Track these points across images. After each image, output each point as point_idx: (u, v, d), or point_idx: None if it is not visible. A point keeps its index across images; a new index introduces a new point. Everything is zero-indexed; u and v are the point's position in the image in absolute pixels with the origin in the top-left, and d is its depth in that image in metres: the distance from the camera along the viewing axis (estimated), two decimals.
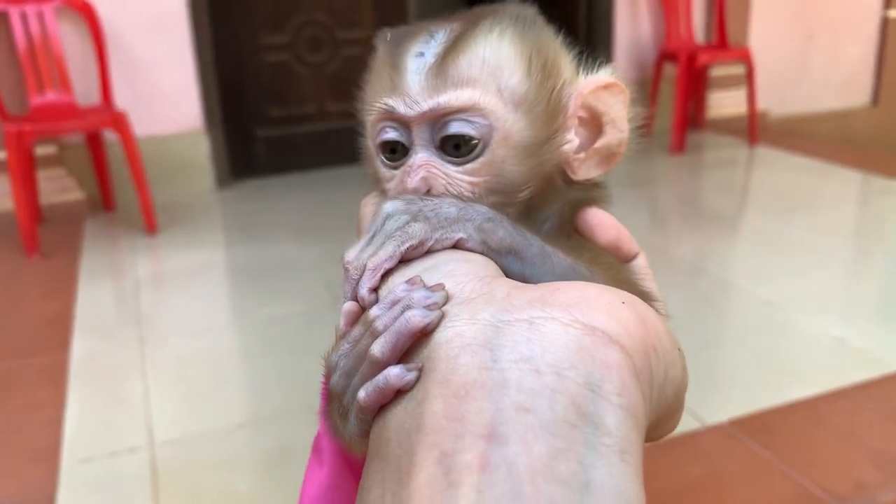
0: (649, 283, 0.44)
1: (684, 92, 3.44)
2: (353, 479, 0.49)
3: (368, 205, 0.47)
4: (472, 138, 0.42)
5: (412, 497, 0.28)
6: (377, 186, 0.47)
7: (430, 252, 0.39)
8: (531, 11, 0.45)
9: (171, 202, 2.98)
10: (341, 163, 3.47)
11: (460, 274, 0.36)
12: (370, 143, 0.46)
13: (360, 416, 0.34)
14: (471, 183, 0.42)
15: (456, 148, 0.42)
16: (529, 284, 0.35)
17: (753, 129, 3.56)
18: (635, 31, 3.72)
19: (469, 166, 0.42)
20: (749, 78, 3.49)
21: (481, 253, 0.39)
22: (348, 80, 3.64)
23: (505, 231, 0.39)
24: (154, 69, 3.01)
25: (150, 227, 2.66)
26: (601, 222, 0.44)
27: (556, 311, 0.32)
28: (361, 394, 0.33)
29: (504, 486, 0.27)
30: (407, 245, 0.38)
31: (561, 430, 0.28)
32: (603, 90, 0.44)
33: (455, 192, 0.42)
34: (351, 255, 0.40)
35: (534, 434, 0.28)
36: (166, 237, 2.65)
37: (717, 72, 3.81)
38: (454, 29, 0.43)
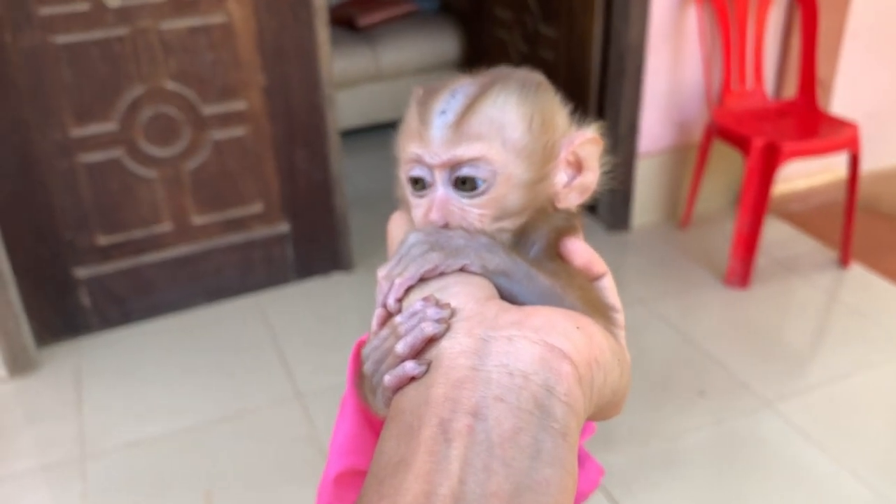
0: (612, 297, 0.54)
1: (754, 205, 2.21)
2: (370, 430, 0.64)
3: (397, 222, 0.58)
4: (480, 179, 0.52)
5: (419, 445, 0.38)
6: (405, 207, 0.57)
7: (442, 274, 0.49)
8: (537, 77, 0.55)
9: None
10: (219, 297, 2.27)
11: (463, 295, 0.47)
12: (402, 175, 0.56)
13: (385, 394, 0.45)
14: (479, 214, 0.52)
15: (466, 184, 0.52)
16: (514, 306, 0.46)
17: (847, 243, 2.38)
18: (675, 75, 2.44)
19: (477, 200, 0.52)
20: (852, 176, 2.28)
21: (481, 275, 0.49)
22: (223, 174, 2.06)
23: (500, 258, 0.50)
24: None
25: None
26: (576, 249, 0.54)
27: (528, 332, 0.43)
28: (387, 378, 0.44)
29: (483, 446, 0.38)
30: (425, 268, 0.49)
31: (523, 416, 0.39)
32: (587, 142, 0.55)
33: (467, 221, 0.52)
34: (383, 272, 0.51)
35: (504, 416, 0.39)
36: None
37: None
38: (470, 92, 0.52)
